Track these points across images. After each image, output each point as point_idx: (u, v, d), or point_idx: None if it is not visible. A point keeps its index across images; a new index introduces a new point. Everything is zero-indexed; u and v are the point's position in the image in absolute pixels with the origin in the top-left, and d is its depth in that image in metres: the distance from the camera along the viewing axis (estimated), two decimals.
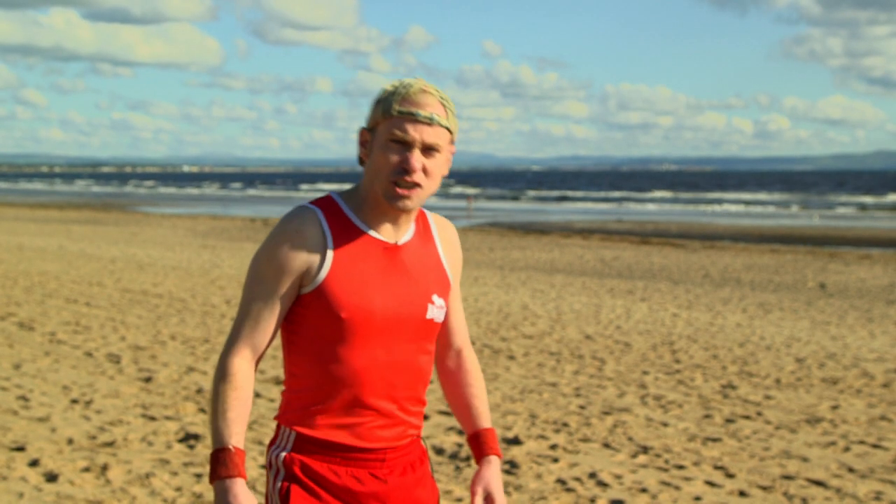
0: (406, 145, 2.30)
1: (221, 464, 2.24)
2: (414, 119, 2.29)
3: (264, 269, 2.33)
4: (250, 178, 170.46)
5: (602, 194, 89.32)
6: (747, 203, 71.09)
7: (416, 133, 2.29)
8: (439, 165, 2.36)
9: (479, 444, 2.65)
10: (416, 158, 2.30)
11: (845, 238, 34.47)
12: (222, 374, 2.30)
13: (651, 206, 66.79)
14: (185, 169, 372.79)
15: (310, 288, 2.33)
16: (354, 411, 2.39)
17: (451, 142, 2.40)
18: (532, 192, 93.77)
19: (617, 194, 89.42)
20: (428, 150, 2.32)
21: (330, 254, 2.33)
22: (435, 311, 2.45)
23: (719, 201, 73.65)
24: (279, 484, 2.37)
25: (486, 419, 2.68)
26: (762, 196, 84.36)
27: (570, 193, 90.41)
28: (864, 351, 11.49)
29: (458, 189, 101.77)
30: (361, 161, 2.41)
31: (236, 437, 2.28)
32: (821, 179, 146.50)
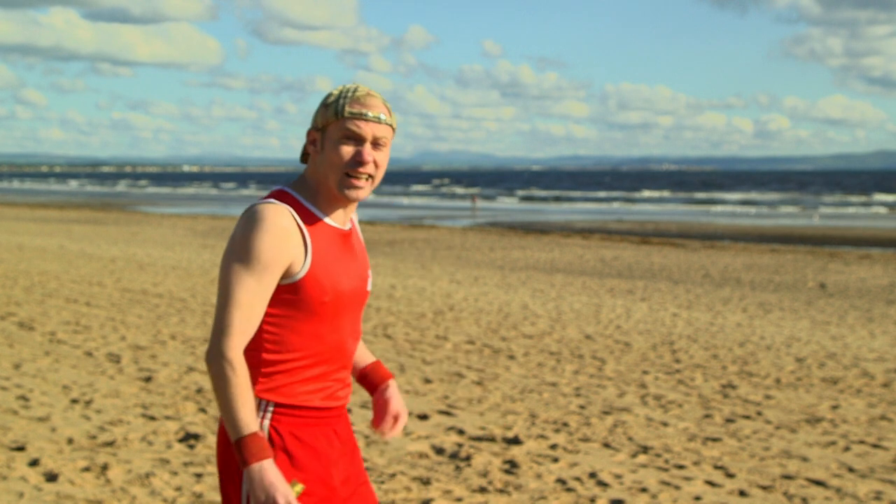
0: (358, 140, 2.58)
1: (256, 447, 2.43)
2: (364, 118, 2.57)
3: (253, 263, 2.48)
4: (243, 178, 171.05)
5: (603, 194, 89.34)
6: (747, 203, 71.10)
7: (367, 129, 2.57)
8: (385, 158, 2.64)
9: (373, 376, 2.92)
10: (368, 151, 2.58)
11: (845, 238, 34.48)
12: (230, 365, 2.46)
13: (651, 206, 66.81)
14: (186, 169, 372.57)
15: (293, 279, 2.55)
16: (324, 378, 2.66)
17: (392, 138, 2.68)
18: (532, 192, 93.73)
19: (617, 194, 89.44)
20: (376, 144, 2.60)
21: (310, 248, 2.56)
22: (370, 284, 2.79)
23: (719, 201, 73.68)
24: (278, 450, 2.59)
25: (370, 356, 2.97)
26: (762, 196, 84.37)
27: (569, 193, 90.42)
28: (864, 351, 11.49)
29: (457, 189, 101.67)
30: (304, 159, 2.68)
31: (255, 422, 2.47)
32: (821, 179, 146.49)
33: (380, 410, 2.89)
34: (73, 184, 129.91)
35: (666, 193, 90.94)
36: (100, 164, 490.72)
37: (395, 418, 2.89)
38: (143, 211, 52.07)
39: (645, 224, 43.02)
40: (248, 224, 2.50)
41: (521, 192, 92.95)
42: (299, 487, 2.50)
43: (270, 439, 2.56)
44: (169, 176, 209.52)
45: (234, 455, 2.56)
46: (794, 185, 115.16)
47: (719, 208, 63.54)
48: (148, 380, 8.79)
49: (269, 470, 2.42)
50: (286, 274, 2.53)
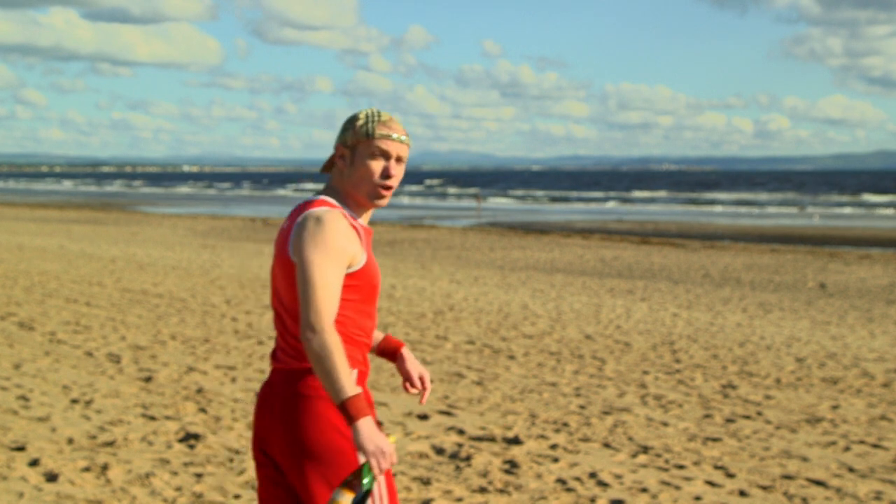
0: (385, 157, 3.06)
1: (361, 404, 2.81)
2: (391, 138, 3.06)
3: (332, 255, 2.94)
4: (242, 178, 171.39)
5: (602, 194, 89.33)
6: (747, 203, 71.11)
7: (393, 148, 3.06)
8: (402, 172, 3.13)
9: (389, 347, 3.35)
10: (393, 167, 3.07)
11: (845, 238, 34.49)
12: (331, 337, 2.84)
13: (651, 207, 66.80)
14: (186, 169, 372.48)
15: (355, 268, 3.02)
16: (368, 350, 3.17)
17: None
18: (532, 192, 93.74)
19: (617, 194, 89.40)
20: (398, 161, 3.09)
21: (363, 244, 3.05)
22: None
23: (719, 201, 73.68)
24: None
25: (379, 333, 3.39)
26: (762, 196, 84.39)
27: (569, 194, 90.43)
28: (865, 351, 11.50)
29: (454, 189, 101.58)
30: (327, 168, 3.15)
31: (355, 385, 2.86)
32: (821, 179, 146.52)
33: (407, 376, 3.33)
34: (74, 184, 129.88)
35: (663, 193, 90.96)
36: (100, 164, 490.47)
37: (422, 379, 3.33)
38: (143, 211, 52.08)
39: (645, 224, 43.04)
40: (321, 224, 2.94)
41: (520, 192, 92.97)
42: (393, 439, 2.92)
43: None
44: (168, 176, 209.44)
45: (330, 430, 2.95)
46: (791, 185, 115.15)
47: (719, 209, 63.56)
48: (148, 380, 8.79)
49: (372, 424, 2.81)
50: (350, 264, 2.99)
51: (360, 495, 2.79)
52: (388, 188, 3.07)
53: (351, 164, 3.06)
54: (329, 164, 3.14)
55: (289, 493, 3.06)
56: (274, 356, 3.10)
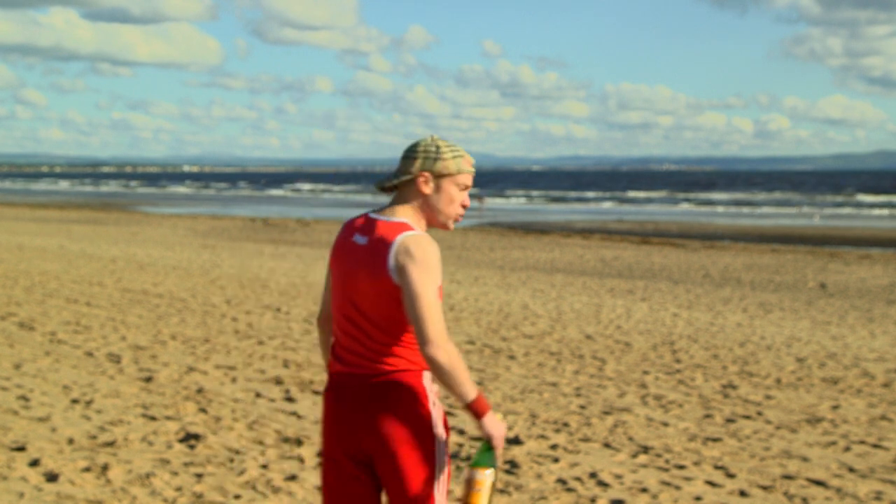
0: (465, 189, 3.48)
1: (486, 401, 3.24)
2: (470, 173, 3.48)
3: (436, 277, 3.29)
4: (234, 178, 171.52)
5: (600, 194, 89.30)
6: (747, 203, 71.11)
7: (471, 180, 3.50)
8: None
9: None
10: (467, 196, 3.50)
11: (845, 238, 34.50)
12: (454, 350, 3.21)
13: (651, 207, 66.80)
14: (186, 169, 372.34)
15: (439, 285, 3.33)
16: None
17: None
18: (533, 193, 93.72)
19: (617, 194, 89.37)
20: (470, 189, 3.55)
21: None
22: None
23: (719, 202, 73.67)
24: (438, 403, 3.37)
25: None
26: (762, 196, 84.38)
27: (569, 194, 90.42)
28: (865, 351, 11.50)
29: None
30: (390, 189, 3.45)
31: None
32: (821, 179, 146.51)
33: None
34: (74, 184, 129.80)
35: (663, 193, 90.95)
36: (100, 164, 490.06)
37: None
38: (143, 211, 52.09)
39: (645, 224, 43.05)
40: (424, 250, 3.27)
41: (521, 192, 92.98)
42: (500, 416, 3.33)
43: (433, 397, 3.35)
44: (167, 176, 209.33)
45: (425, 427, 3.28)
46: (790, 185, 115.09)
47: (720, 209, 63.56)
48: (148, 380, 8.79)
49: (495, 416, 3.27)
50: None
51: (494, 470, 3.27)
52: (462, 215, 3.51)
53: (436, 192, 3.42)
54: (394, 185, 3.44)
55: (374, 490, 3.36)
56: (341, 360, 3.37)
